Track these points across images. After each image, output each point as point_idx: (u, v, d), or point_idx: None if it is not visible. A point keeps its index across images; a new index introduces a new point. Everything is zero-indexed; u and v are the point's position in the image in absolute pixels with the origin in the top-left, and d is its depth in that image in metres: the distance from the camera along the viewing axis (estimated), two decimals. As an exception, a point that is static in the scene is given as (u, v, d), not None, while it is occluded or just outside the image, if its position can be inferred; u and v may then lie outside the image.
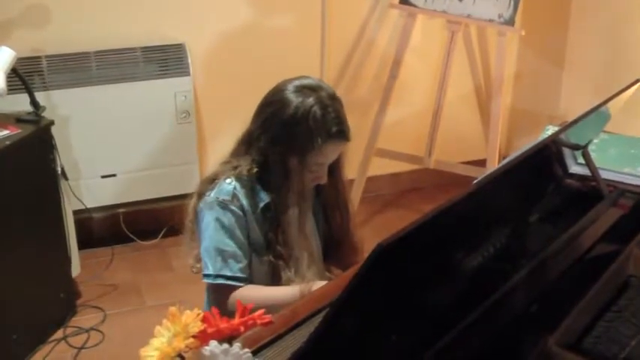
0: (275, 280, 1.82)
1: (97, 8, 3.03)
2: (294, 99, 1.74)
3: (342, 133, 1.77)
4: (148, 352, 0.99)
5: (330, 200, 1.91)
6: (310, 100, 1.73)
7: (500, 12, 3.10)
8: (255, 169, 1.79)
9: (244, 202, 1.78)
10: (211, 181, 1.82)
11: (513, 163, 1.32)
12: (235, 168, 1.80)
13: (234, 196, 1.77)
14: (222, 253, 1.77)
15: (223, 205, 1.77)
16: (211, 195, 1.79)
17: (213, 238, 1.78)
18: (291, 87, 1.77)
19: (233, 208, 1.77)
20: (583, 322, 1.34)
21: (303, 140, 1.73)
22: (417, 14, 3.24)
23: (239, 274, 1.78)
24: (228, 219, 1.77)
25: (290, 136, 1.74)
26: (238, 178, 1.79)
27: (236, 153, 1.84)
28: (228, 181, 1.78)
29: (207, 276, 1.79)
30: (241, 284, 1.78)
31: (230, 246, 1.77)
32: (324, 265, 1.96)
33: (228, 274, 1.77)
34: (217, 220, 1.77)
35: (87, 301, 2.93)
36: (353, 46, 3.52)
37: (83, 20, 3.02)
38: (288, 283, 1.80)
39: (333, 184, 1.88)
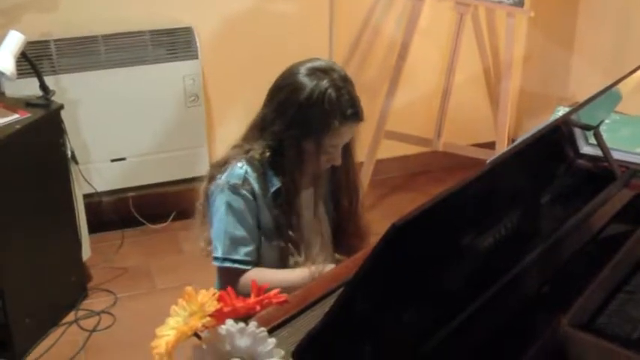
0: (283, 264, 1.83)
1: (105, -8, 3.03)
2: (307, 82, 1.74)
3: (356, 115, 1.78)
4: (164, 330, 0.99)
5: (340, 182, 1.92)
6: (324, 83, 1.73)
7: (509, -7, 3.08)
8: (267, 154, 1.79)
9: (255, 185, 1.78)
10: (222, 164, 1.82)
11: (526, 144, 1.31)
12: (247, 152, 1.80)
13: (245, 180, 1.78)
14: (231, 237, 1.79)
15: (234, 189, 1.78)
16: (222, 178, 1.79)
17: (223, 221, 1.79)
18: (303, 70, 1.76)
19: (244, 192, 1.77)
20: (595, 303, 1.34)
21: (319, 123, 1.74)
22: (426, -4, 3.22)
23: (247, 258, 1.79)
24: (238, 203, 1.78)
25: (306, 119, 1.74)
26: (250, 162, 1.79)
27: (248, 137, 1.84)
28: (239, 165, 1.79)
29: (216, 259, 1.81)
30: (249, 267, 1.80)
31: (239, 230, 1.78)
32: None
33: (236, 257, 1.79)
34: (228, 203, 1.78)
35: (98, 284, 2.95)
36: (361, 28, 3.51)
37: (91, 4, 3.02)
38: (297, 267, 1.81)
39: (345, 165, 1.88)
